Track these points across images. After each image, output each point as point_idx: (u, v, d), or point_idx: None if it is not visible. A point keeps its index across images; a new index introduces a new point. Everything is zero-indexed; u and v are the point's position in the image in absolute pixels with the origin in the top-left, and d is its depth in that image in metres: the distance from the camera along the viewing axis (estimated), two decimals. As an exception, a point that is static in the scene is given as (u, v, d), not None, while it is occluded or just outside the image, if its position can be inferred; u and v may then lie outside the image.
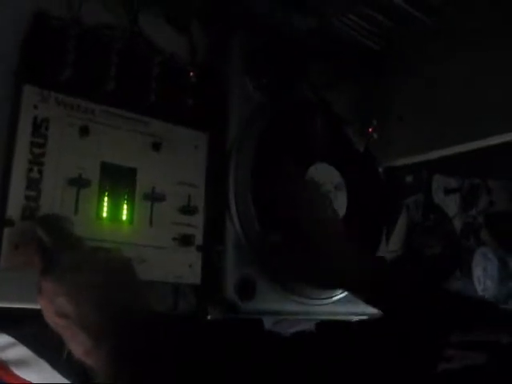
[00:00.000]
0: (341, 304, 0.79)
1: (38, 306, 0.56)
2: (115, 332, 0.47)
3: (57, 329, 0.49)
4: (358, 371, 0.42)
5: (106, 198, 0.63)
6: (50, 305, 0.49)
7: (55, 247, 0.52)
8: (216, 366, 0.46)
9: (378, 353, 0.44)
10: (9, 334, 0.62)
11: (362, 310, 0.77)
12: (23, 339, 0.62)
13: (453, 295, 0.62)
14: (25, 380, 0.60)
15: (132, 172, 0.65)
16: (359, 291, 0.67)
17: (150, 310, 0.51)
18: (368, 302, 0.66)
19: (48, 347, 0.62)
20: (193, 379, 0.45)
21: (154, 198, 0.66)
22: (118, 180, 0.64)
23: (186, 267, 0.68)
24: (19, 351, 0.61)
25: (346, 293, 0.79)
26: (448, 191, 1.14)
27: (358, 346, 0.48)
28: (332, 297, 0.79)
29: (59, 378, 0.62)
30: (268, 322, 0.83)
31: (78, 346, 0.48)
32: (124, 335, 0.47)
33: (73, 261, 0.50)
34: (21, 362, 0.61)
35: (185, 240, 0.68)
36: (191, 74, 0.72)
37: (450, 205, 1.15)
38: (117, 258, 0.54)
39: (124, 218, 0.64)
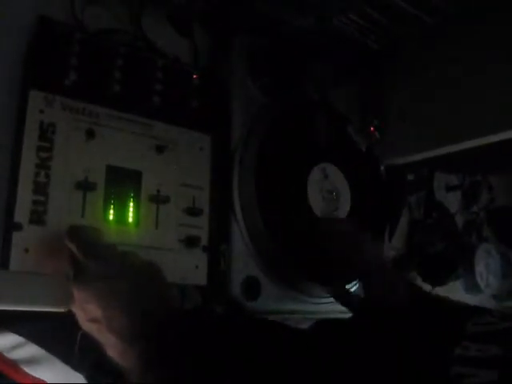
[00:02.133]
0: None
1: (47, 309, 0.57)
2: (143, 334, 0.48)
3: (91, 333, 0.51)
4: (375, 360, 0.43)
5: (112, 201, 0.63)
6: (82, 311, 0.52)
7: (83, 257, 0.54)
8: (242, 363, 0.47)
9: (395, 341, 0.45)
10: (18, 333, 0.62)
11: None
12: (34, 337, 0.63)
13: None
14: (36, 378, 0.61)
15: (137, 174, 0.66)
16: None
17: (175, 310, 0.53)
18: None
19: (59, 343, 0.63)
20: (218, 376, 0.47)
21: (159, 200, 0.67)
22: (124, 182, 0.65)
23: (192, 268, 0.68)
24: (30, 350, 0.62)
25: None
26: (449, 188, 1.15)
27: (372, 333, 0.49)
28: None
29: (72, 373, 0.63)
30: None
31: (111, 348, 0.50)
32: (152, 337, 0.48)
33: (99, 268, 0.52)
34: (32, 361, 0.62)
35: (190, 241, 0.68)
36: (194, 76, 0.73)
37: (452, 202, 1.15)
38: (142, 262, 0.56)
39: (130, 220, 0.65)
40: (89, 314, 0.51)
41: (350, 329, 0.51)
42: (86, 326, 0.52)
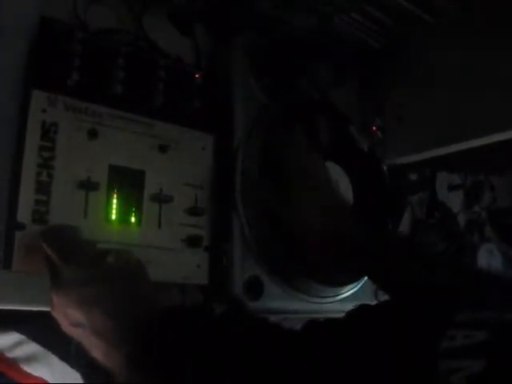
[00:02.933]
0: (348, 302, 0.79)
1: (49, 308, 0.57)
2: (128, 336, 0.48)
3: (75, 337, 0.51)
4: (360, 356, 0.43)
5: (114, 201, 0.63)
6: (63, 316, 0.51)
7: (60, 261, 0.52)
8: (231, 364, 0.46)
9: (379, 337, 0.44)
10: (19, 331, 0.62)
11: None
12: (33, 335, 0.63)
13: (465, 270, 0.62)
14: (35, 376, 0.61)
15: (140, 174, 0.66)
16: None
17: (160, 310, 0.52)
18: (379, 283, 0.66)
19: (57, 341, 0.63)
20: (206, 377, 0.46)
21: (161, 199, 0.67)
22: (126, 182, 0.65)
23: (194, 268, 0.68)
24: (29, 348, 0.62)
25: (352, 290, 0.80)
26: (452, 188, 1.15)
27: (358, 329, 0.48)
28: (339, 295, 0.79)
29: (69, 370, 0.63)
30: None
31: (96, 351, 0.49)
32: (137, 339, 0.48)
33: (75, 273, 0.51)
34: (31, 358, 0.62)
35: (192, 241, 0.68)
36: (196, 76, 0.73)
37: (454, 202, 1.15)
38: (123, 262, 0.55)
39: (133, 220, 0.65)
40: (70, 318, 0.50)
41: (339, 330, 0.51)
42: (69, 330, 0.51)
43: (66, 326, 0.52)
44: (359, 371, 0.41)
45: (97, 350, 0.49)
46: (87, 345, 0.50)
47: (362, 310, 0.53)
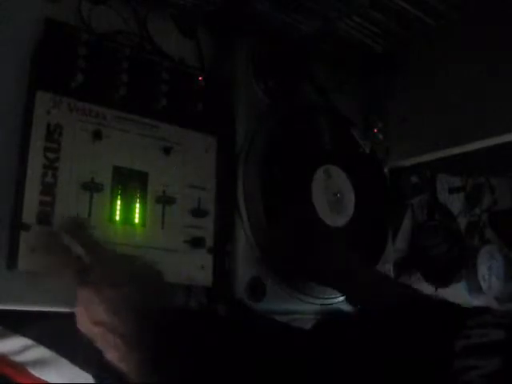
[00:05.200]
0: (349, 303, 0.79)
1: (54, 309, 0.57)
2: (146, 340, 0.49)
3: (92, 336, 0.52)
4: (374, 357, 0.43)
5: (118, 202, 0.64)
6: (86, 312, 0.52)
7: (92, 259, 0.53)
8: (243, 364, 0.47)
9: (393, 337, 0.44)
10: (26, 334, 0.62)
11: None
12: (41, 338, 0.63)
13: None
14: (43, 381, 0.61)
15: (143, 175, 0.66)
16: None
17: (178, 313, 0.53)
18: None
19: (67, 343, 0.63)
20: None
21: (165, 200, 0.67)
22: (130, 183, 0.65)
23: (198, 269, 0.69)
24: (38, 351, 0.62)
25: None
26: (452, 190, 1.15)
27: (371, 329, 0.48)
28: (340, 296, 0.80)
29: (80, 373, 0.63)
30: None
31: (113, 352, 0.50)
32: (153, 342, 0.48)
33: (108, 273, 0.52)
34: (39, 362, 0.62)
35: (196, 242, 0.69)
36: (200, 78, 0.73)
37: (455, 204, 1.16)
38: (146, 266, 0.56)
39: (136, 221, 0.65)
40: (93, 316, 0.51)
41: (350, 331, 0.51)
42: (88, 327, 0.52)
43: (84, 323, 0.52)
44: (372, 371, 0.41)
45: (114, 351, 0.50)
46: (104, 345, 0.51)
47: (374, 310, 0.53)
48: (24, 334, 0.62)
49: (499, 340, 0.37)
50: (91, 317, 0.51)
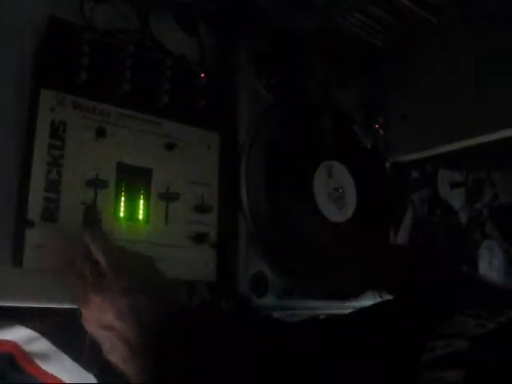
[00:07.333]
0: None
1: (59, 306, 0.58)
2: (152, 347, 0.50)
3: (98, 338, 0.53)
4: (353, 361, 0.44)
5: (122, 198, 0.64)
6: (95, 316, 0.53)
7: (107, 265, 0.54)
8: (248, 362, 0.48)
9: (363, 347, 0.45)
10: (32, 329, 0.63)
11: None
12: (46, 334, 0.63)
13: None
14: (52, 375, 0.62)
15: (147, 172, 0.67)
16: None
17: (184, 318, 0.54)
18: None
19: (71, 341, 0.63)
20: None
21: (168, 197, 0.67)
22: (134, 180, 0.66)
23: (201, 265, 0.69)
24: (42, 345, 0.63)
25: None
26: (453, 185, 1.15)
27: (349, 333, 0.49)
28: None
29: (82, 371, 0.64)
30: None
31: (116, 354, 0.51)
32: (159, 351, 0.50)
33: (123, 281, 0.53)
34: (43, 355, 0.62)
35: (199, 238, 0.69)
36: (202, 75, 0.73)
37: (456, 199, 1.16)
38: (164, 280, 0.57)
39: (140, 217, 0.65)
40: (102, 320, 0.52)
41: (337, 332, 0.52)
42: (95, 330, 0.53)
43: (91, 325, 0.53)
44: (348, 377, 0.42)
45: (119, 354, 0.51)
46: (109, 348, 0.52)
47: (358, 314, 0.54)
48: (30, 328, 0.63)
49: (462, 351, 0.37)
50: (100, 319, 0.52)
